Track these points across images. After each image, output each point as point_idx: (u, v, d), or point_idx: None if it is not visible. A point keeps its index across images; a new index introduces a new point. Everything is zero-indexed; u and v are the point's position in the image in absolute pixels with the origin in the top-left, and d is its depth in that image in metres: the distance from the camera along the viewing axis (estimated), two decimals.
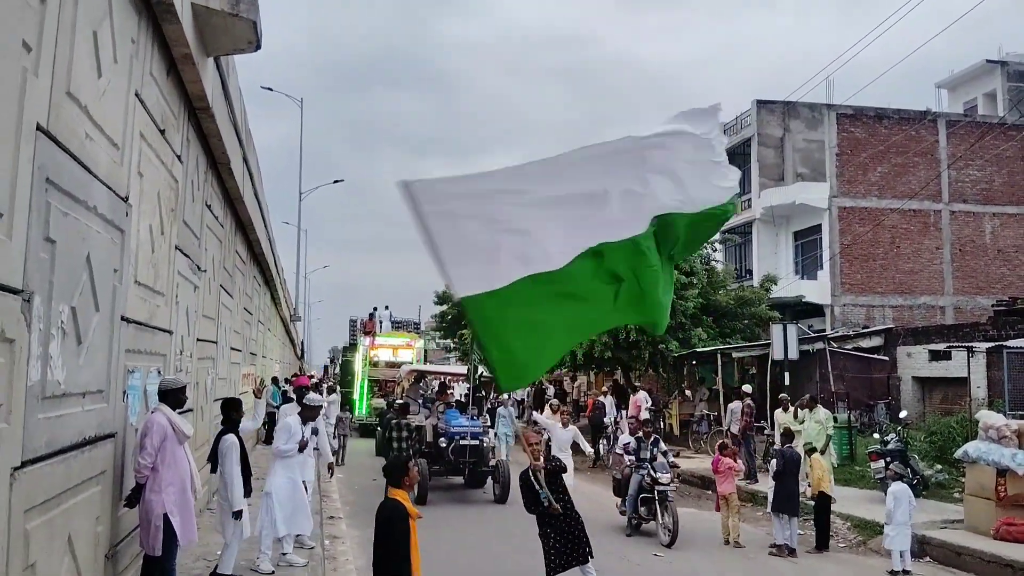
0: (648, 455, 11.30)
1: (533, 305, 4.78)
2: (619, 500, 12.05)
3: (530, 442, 8.43)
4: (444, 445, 14.13)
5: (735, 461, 11.56)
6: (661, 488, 10.84)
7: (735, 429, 16.38)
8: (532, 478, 7.92)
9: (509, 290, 4.67)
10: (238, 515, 7.45)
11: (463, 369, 20.60)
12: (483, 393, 18.57)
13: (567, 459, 11.30)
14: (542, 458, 8.67)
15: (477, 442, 14.19)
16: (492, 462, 14.41)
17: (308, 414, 9.12)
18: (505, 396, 20.93)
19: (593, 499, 13.30)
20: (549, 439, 13.12)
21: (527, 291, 4.72)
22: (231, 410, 7.88)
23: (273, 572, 8.14)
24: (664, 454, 11.48)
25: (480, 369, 16.98)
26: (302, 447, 8.74)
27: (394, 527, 5.05)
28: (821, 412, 13.69)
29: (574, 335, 5.60)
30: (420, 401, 16.50)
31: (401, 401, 15.86)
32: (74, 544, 4.80)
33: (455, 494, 14.66)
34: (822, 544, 10.72)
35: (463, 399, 18.03)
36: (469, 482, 14.91)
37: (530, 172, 4.96)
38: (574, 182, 4.97)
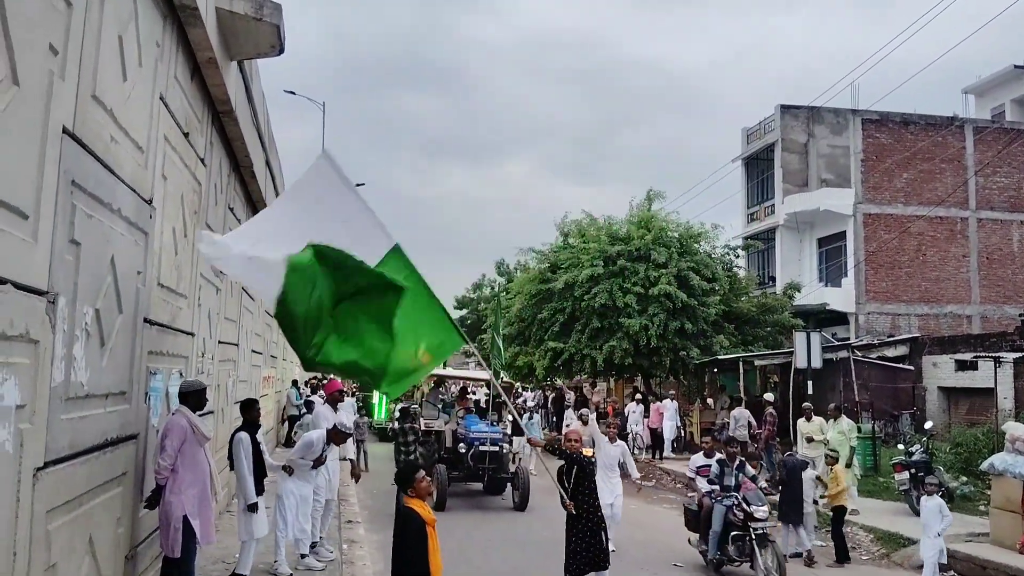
0: (733, 482, 9.67)
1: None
2: (694, 536, 10.25)
3: (570, 439, 8.14)
4: (463, 451, 13.97)
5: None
6: (758, 526, 9.16)
7: (740, 436, 16.20)
8: (561, 474, 7.82)
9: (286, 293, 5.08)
10: (253, 508, 7.54)
11: (484, 374, 20.35)
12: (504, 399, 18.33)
13: (614, 481, 10.40)
14: (583, 450, 8.26)
15: (497, 448, 13.99)
16: (512, 469, 14.26)
17: (336, 439, 8.98)
18: (531, 403, 20.75)
19: (655, 528, 12.43)
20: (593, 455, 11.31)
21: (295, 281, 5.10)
22: (247, 409, 7.93)
23: (291, 574, 8.15)
24: (754, 479, 9.78)
25: (502, 374, 16.80)
26: (317, 464, 8.71)
27: (407, 536, 5.04)
28: (844, 422, 13.52)
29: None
30: (440, 406, 16.22)
31: (403, 406, 15.69)
32: (95, 545, 4.82)
33: (474, 500, 14.54)
34: (842, 557, 10.55)
35: (483, 404, 17.78)
36: (488, 488, 14.72)
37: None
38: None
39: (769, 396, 17.16)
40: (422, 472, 5.44)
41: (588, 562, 7.62)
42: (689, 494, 10.78)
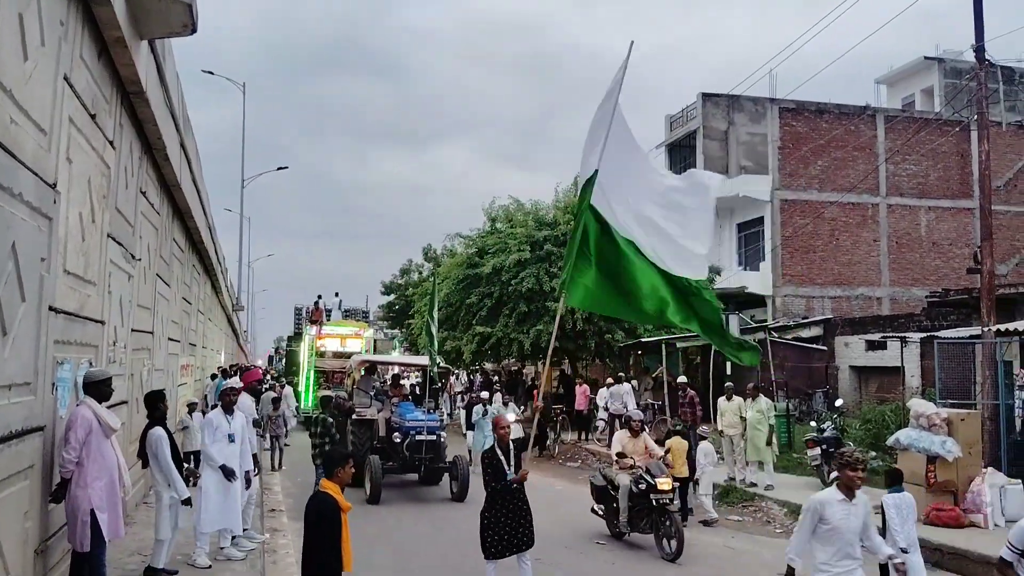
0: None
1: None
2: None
3: (500, 425, 8.14)
4: (399, 440, 13.42)
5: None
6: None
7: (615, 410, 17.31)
8: (501, 453, 7.66)
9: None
10: (188, 502, 7.49)
11: (421, 360, 19.65)
12: (439, 384, 17.50)
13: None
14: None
15: (434, 437, 13.50)
16: (449, 459, 13.75)
17: (226, 400, 8.71)
18: (484, 393, 20.10)
19: (582, 508, 11.97)
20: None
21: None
22: (157, 402, 7.69)
23: (210, 566, 8.02)
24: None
25: (438, 360, 16.33)
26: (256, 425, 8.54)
27: (323, 520, 5.00)
28: (763, 401, 13.94)
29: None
30: (372, 394, 15.52)
31: (323, 394, 15.03)
32: (1, 541, 4.67)
33: (409, 492, 14.00)
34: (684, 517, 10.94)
35: (417, 391, 17.16)
36: (425, 479, 14.18)
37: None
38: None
39: (683, 379, 17.32)
40: (351, 463, 5.36)
41: (520, 542, 7.52)
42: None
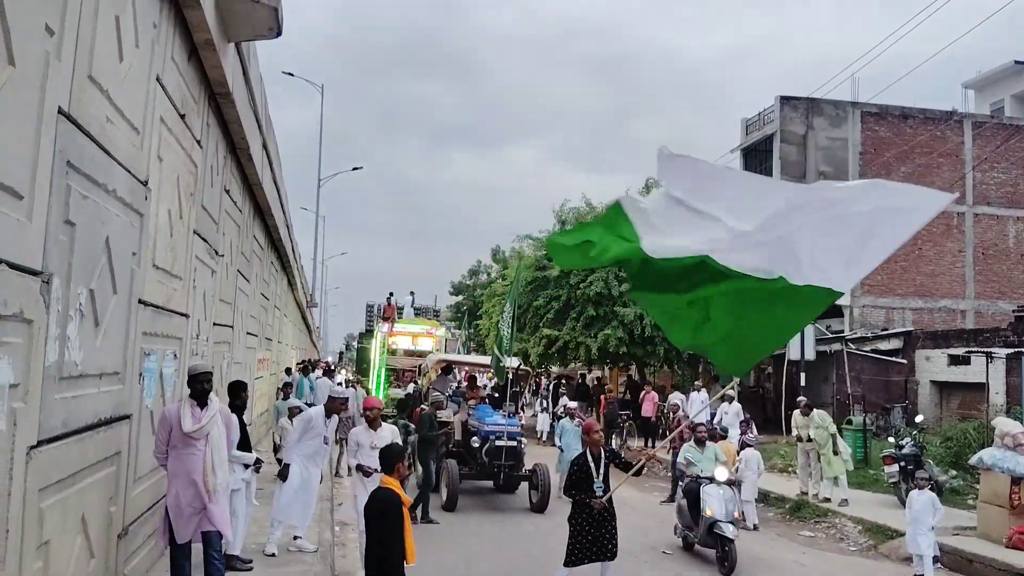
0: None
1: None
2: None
3: (592, 430, 8.06)
4: (477, 446, 12.70)
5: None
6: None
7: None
8: (592, 463, 7.47)
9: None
10: (258, 467, 7.95)
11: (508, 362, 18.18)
12: (518, 388, 16.70)
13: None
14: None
15: (515, 443, 12.75)
16: (529, 466, 12.92)
17: (335, 407, 8.91)
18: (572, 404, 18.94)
19: (646, 515, 12.26)
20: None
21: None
22: (239, 391, 7.92)
23: (274, 555, 8.19)
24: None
25: (514, 360, 15.25)
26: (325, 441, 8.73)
27: (386, 513, 5.08)
28: (817, 416, 13.49)
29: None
30: (448, 395, 14.95)
31: (397, 395, 14.86)
32: (87, 523, 4.86)
33: (486, 499, 13.29)
34: None
35: (494, 394, 16.27)
36: (502, 487, 13.37)
37: (746, 186, 6.30)
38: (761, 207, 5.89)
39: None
40: (409, 459, 5.47)
41: (600, 552, 7.40)
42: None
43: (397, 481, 5.30)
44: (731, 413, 17.04)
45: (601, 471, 7.47)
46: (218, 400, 6.28)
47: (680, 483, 11.05)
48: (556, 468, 12.90)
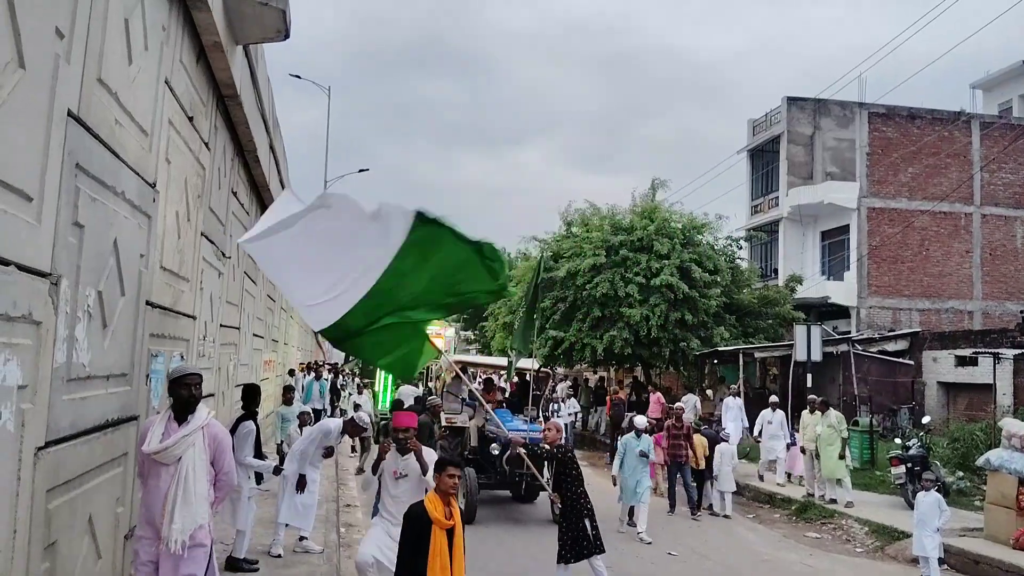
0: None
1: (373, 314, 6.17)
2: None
3: (548, 431, 8.33)
4: (496, 453, 11.98)
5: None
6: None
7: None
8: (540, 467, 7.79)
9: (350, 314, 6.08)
10: (278, 471, 8.13)
11: (528, 363, 16.36)
12: (540, 391, 14.99)
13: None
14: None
15: (537, 451, 12.33)
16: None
17: (352, 431, 8.98)
18: (641, 419, 17.52)
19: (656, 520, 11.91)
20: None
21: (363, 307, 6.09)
22: (255, 396, 7.96)
23: (280, 556, 8.21)
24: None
25: (532, 361, 14.20)
26: (327, 454, 8.74)
27: (407, 534, 5.03)
28: (833, 416, 13.47)
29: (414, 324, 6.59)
30: (463, 399, 14.02)
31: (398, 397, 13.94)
32: (94, 524, 4.87)
33: (505, 510, 12.73)
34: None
35: (512, 397, 15.35)
36: (521, 496, 12.93)
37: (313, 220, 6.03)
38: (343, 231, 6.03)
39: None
40: (454, 469, 5.11)
41: (574, 550, 7.62)
42: None
43: (437, 496, 5.14)
44: (733, 408, 17.78)
45: (554, 468, 7.85)
46: (207, 412, 4.98)
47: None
48: (618, 498, 11.65)
